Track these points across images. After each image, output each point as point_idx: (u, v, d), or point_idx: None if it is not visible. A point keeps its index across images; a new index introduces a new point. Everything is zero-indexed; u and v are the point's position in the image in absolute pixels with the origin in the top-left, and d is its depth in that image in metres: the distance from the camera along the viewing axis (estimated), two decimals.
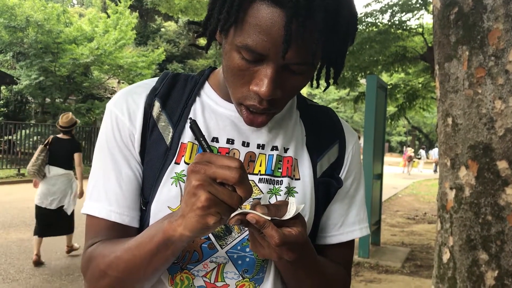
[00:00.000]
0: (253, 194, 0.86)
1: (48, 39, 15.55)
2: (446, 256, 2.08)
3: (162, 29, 31.36)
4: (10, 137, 14.60)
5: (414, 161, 29.31)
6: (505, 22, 1.83)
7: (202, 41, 0.82)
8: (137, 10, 24.94)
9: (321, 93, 42.26)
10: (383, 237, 7.54)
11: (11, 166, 14.31)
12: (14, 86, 16.76)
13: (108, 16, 17.97)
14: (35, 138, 15.24)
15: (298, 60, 0.73)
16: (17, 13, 15.05)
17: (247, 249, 0.86)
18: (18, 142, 14.80)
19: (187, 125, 0.88)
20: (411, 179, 21.25)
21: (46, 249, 5.90)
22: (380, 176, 7.00)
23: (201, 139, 0.73)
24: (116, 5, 18.11)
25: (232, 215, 0.69)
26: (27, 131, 15.28)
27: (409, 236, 8.13)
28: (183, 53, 30.31)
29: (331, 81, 0.86)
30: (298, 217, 0.73)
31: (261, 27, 0.70)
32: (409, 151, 28.56)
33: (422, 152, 32.50)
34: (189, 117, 0.88)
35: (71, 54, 15.94)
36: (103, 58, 16.44)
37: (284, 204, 0.73)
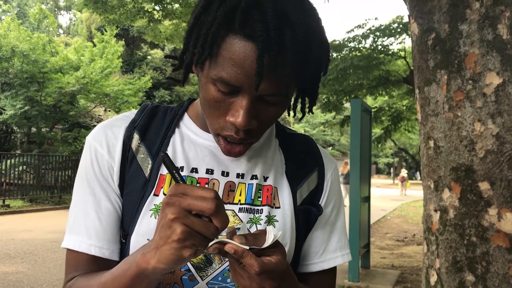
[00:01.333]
0: (233, 224, 0.86)
1: (34, 68, 15.50)
2: (433, 279, 2.08)
3: (149, 57, 31.52)
4: None
5: (407, 182, 29.54)
6: (481, 47, 1.88)
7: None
8: (123, 39, 25.08)
9: (308, 116, 42.52)
10: (372, 260, 7.51)
11: None
12: None
13: (94, 45, 18.01)
14: (20, 168, 15.04)
15: (272, 92, 0.74)
16: (2, 44, 15.02)
17: (228, 280, 0.85)
18: (3, 172, 14.59)
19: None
20: (400, 201, 21.30)
21: (32, 281, 5.78)
22: (367, 199, 7.01)
23: (174, 171, 0.72)
24: (102, 34, 18.18)
25: (210, 244, 0.69)
26: (13, 161, 15.08)
27: (398, 258, 8.11)
28: (169, 80, 30.43)
29: (307, 109, 0.88)
30: (277, 245, 0.74)
31: (235, 60, 0.72)
32: (403, 172, 28.90)
33: None
34: (161, 151, 0.89)
35: (57, 83, 15.88)
36: (89, 86, 16.40)
37: (262, 233, 0.73)
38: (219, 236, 0.70)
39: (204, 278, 0.85)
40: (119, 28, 20.70)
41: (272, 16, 0.70)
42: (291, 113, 0.89)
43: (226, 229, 0.72)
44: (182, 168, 0.89)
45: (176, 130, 0.93)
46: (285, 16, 0.71)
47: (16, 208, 13.50)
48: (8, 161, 14.89)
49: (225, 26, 0.72)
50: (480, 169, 1.88)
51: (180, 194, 0.67)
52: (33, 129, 17.38)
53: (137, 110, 0.96)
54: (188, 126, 0.94)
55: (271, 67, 0.70)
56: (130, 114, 0.94)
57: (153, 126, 0.92)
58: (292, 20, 0.72)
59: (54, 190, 15.46)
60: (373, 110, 9.71)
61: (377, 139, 11.53)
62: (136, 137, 0.90)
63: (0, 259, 7.06)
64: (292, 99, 0.87)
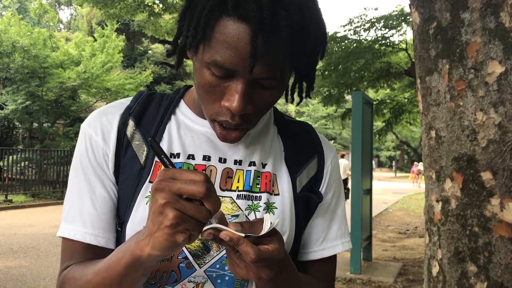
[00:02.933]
0: (231, 211, 0.85)
1: (35, 64, 15.49)
2: (435, 270, 2.07)
3: (149, 51, 31.47)
4: None
5: (422, 175, 29.69)
6: (483, 35, 1.85)
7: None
8: (124, 33, 25.04)
9: (310, 110, 42.55)
10: (374, 253, 7.51)
11: None
12: (0, 111, 16.64)
13: (95, 40, 17.98)
14: (22, 163, 15.06)
15: (266, 75, 0.73)
16: (2, 39, 15.00)
17: (226, 268, 0.84)
18: (5, 168, 14.60)
19: (161, 142, 0.87)
20: (401, 194, 21.30)
21: (35, 275, 5.80)
22: (369, 191, 7.00)
23: (162, 156, 0.71)
24: (103, 28, 18.15)
25: (205, 228, 0.67)
26: (15, 157, 15.11)
27: (400, 250, 8.12)
28: (170, 75, 30.40)
29: (305, 94, 0.86)
30: (275, 233, 0.72)
31: (228, 43, 0.70)
32: (420, 165, 29.05)
33: None
34: (150, 136, 0.88)
35: (58, 78, 15.88)
36: (90, 81, 16.40)
37: (259, 221, 0.71)
38: (211, 220, 0.69)
39: (201, 265, 0.84)
40: (119, 23, 20.67)
41: None
42: (293, 106, 0.88)
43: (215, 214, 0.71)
44: (178, 155, 0.87)
45: (172, 117, 0.91)
46: None
47: (19, 203, 13.54)
48: (10, 157, 14.91)
49: (218, 8, 0.70)
50: (482, 158, 1.86)
51: (169, 179, 0.66)
52: (35, 124, 17.39)
53: (132, 97, 0.94)
54: (184, 113, 0.92)
55: (265, 48, 0.69)
56: (125, 101, 0.93)
57: (149, 113, 0.91)
58: (286, 1, 0.70)
59: (56, 185, 15.49)
60: (374, 102, 9.68)
61: (378, 132, 11.51)
62: (131, 123, 0.88)
63: (3, 254, 7.08)
64: (290, 84, 0.86)
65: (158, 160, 0.86)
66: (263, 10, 0.68)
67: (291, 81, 0.85)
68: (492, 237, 1.83)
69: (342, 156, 15.61)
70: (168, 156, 0.86)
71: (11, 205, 13.00)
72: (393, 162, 50.82)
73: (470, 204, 1.90)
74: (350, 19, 9.16)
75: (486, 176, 1.85)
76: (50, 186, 15.37)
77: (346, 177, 14.05)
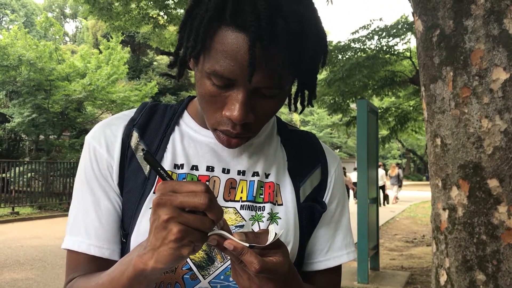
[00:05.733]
0: (235, 221, 0.85)
1: (41, 76, 15.61)
2: (443, 278, 2.05)
3: (155, 63, 31.63)
4: (4, 175, 14.45)
5: None
6: (486, 42, 1.85)
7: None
8: (129, 45, 25.21)
9: (315, 119, 42.55)
10: (382, 262, 7.45)
11: (5, 204, 14.13)
12: (7, 124, 16.75)
13: (100, 52, 18.11)
14: (29, 175, 15.10)
15: (266, 84, 0.73)
16: (9, 53, 15.13)
17: (231, 279, 0.83)
18: (12, 180, 14.65)
19: (165, 153, 0.87)
20: (408, 202, 21.17)
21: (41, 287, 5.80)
22: (375, 200, 6.97)
23: (159, 168, 0.70)
24: (108, 40, 18.30)
25: (209, 234, 0.67)
26: (21, 169, 15.15)
27: (408, 259, 8.05)
28: (176, 86, 30.50)
29: (306, 103, 0.86)
30: (280, 246, 0.71)
31: (227, 52, 0.70)
32: None
33: None
34: (145, 149, 0.87)
35: (64, 91, 15.98)
36: (96, 93, 16.49)
37: (264, 232, 0.71)
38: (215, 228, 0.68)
39: (206, 277, 0.83)
40: (124, 35, 20.83)
41: (264, 5, 0.68)
42: (298, 115, 0.88)
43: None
44: (182, 165, 0.87)
45: (176, 127, 0.91)
46: (278, 6, 0.70)
47: (25, 215, 13.56)
48: (17, 169, 14.96)
49: (217, 18, 0.70)
50: (488, 166, 1.85)
51: (170, 193, 0.65)
52: (41, 137, 17.48)
53: (136, 108, 0.94)
54: (187, 124, 0.92)
55: (263, 57, 0.69)
56: (129, 113, 0.93)
57: (153, 124, 0.91)
58: (284, 10, 0.70)
59: (62, 197, 15.51)
60: (379, 111, 9.67)
61: (382, 139, 11.49)
62: (135, 135, 0.88)
63: (10, 266, 7.09)
64: (292, 93, 0.86)
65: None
66: (261, 19, 0.68)
67: (293, 90, 0.85)
68: (500, 245, 1.81)
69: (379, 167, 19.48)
70: (172, 167, 0.86)
71: (17, 217, 13.01)
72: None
73: (477, 212, 1.88)
74: (354, 32, 9.20)
75: (493, 183, 1.84)
76: (56, 198, 15.40)
77: (383, 184, 17.75)
